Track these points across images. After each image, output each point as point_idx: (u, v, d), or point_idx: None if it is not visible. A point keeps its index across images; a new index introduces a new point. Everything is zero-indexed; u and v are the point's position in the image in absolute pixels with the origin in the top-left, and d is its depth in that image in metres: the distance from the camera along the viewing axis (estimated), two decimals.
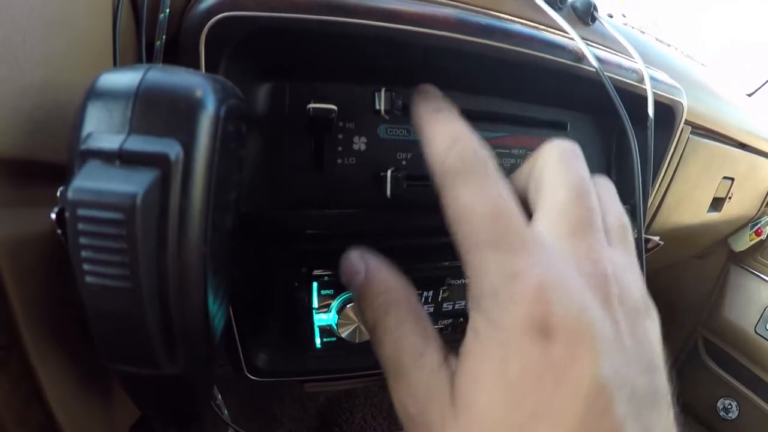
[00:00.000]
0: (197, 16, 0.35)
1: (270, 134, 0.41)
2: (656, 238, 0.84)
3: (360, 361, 0.51)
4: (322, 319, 0.47)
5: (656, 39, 1.25)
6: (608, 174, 0.62)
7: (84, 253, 0.19)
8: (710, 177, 0.93)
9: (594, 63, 0.44)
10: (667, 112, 0.59)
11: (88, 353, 0.32)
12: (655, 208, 0.81)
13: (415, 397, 0.26)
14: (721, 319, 1.31)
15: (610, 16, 1.01)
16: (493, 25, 0.41)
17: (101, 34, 0.34)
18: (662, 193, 0.79)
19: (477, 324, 0.24)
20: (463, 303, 0.53)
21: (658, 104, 0.54)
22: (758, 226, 1.25)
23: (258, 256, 0.45)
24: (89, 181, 0.18)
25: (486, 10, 0.44)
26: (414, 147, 0.46)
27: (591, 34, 0.56)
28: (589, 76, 0.47)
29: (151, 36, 0.38)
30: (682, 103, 0.60)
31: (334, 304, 0.46)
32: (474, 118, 0.48)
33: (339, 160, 0.43)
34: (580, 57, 0.46)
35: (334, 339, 0.48)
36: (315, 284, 0.46)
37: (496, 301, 0.23)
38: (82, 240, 0.18)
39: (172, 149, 0.19)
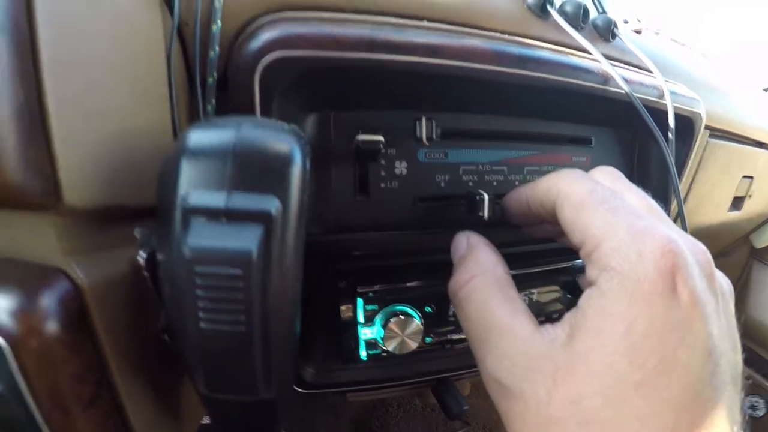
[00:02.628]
0: (249, 55, 0.37)
1: (317, 162, 0.44)
2: None
3: (403, 371, 0.54)
4: (367, 333, 0.49)
5: (671, 39, 1.26)
6: None
7: (201, 303, 0.21)
8: (729, 177, 0.94)
9: (624, 86, 0.47)
10: (687, 123, 0.61)
11: (164, 383, 0.35)
12: (675, 213, 0.82)
13: (509, 368, 0.27)
14: (745, 318, 1.31)
15: (626, 22, 1.03)
16: (527, 54, 0.43)
17: (157, 75, 0.36)
18: (683, 197, 0.81)
19: (601, 281, 0.25)
20: None
21: (678, 116, 0.56)
22: None
23: (307, 276, 0.47)
24: (203, 239, 0.21)
25: (516, 37, 0.46)
26: (451, 169, 0.48)
27: (612, 50, 0.58)
28: (613, 96, 0.49)
29: (202, 73, 0.40)
30: (700, 114, 0.62)
31: (378, 318, 0.48)
32: (506, 138, 0.51)
33: (382, 185, 0.46)
34: (607, 79, 0.48)
35: (378, 351, 0.50)
36: (360, 300, 0.49)
37: (626, 257, 0.24)
38: (200, 292, 0.21)
39: (273, 205, 0.22)
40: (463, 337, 0.54)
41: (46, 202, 0.25)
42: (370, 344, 0.50)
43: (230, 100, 0.39)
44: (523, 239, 0.53)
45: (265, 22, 0.39)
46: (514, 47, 0.43)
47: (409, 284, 0.50)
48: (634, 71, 0.55)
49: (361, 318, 0.49)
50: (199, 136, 0.24)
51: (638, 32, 0.96)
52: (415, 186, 0.47)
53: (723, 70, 1.24)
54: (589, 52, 0.48)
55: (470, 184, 0.49)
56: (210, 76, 0.40)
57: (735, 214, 1.03)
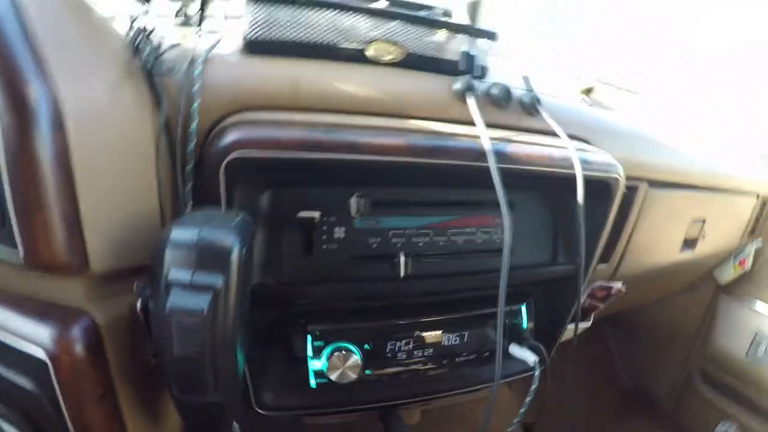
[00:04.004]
0: (216, 153, 0.54)
1: (273, 227, 0.61)
2: (618, 284, 1.01)
3: (348, 398, 0.71)
4: (315, 365, 0.66)
5: (627, 90, 1.40)
6: (555, 240, 0.82)
7: (175, 337, 0.39)
8: (677, 221, 1.09)
9: (492, 167, 0.61)
10: (604, 186, 0.77)
11: (149, 392, 0.53)
12: (619, 257, 0.97)
13: None
14: (713, 348, 1.47)
15: (578, 79, 1.20)
16: (437, 145, 0.60)
17: (148, 165, 0.53)
18: (624, 244, 0.96)
19: None
20: (431, 350, 0.72)
21: (594, 181, 0.72)
22: (740, 257, 1.40)
23: (264, 319, 0.65)
24: (177, 301, 0.39)
25: (437, 123, 0.63)
26: (382, 233, 0.66)
27: (537, 122, 0.74)
28: (522, 169, 0.66)
29: (182, 161, 0.57)
30: (617, 177, 0.77)
31: (325, 352, 0.65)
32: (431, 205, 0.68)
33: (324, 246, 0.63)
34: (512, 159, 0.65)
35: (325, 380, 0.67)
36: (309, 337, 0.66)
37: None
38: (175, 333, 0.38)
39: (218, 280, 0.39)
40: (401, 369, 0.70)
41: (80, 270, 0.43)
42: (318, 374, 0.67)
43: (204, 183, 0.56)
44: (443, 289, 0.71)
45: (229, 123, 0.56)
46: (426, 140, 0.60)
47: (351, 325, 0.67)
48: (544, 146, 0.71)
49: (310, 352, 0.66)
50: (176, 234, 0.41)
51: (589, 90, 1.14)
52: (351, 247, 0.64)
53: (685, 117, 1.39)
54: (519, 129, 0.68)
55: (398, 245, 0.66)
56: (188, 164, 0.57)
57: (689, 254, 1.18)
